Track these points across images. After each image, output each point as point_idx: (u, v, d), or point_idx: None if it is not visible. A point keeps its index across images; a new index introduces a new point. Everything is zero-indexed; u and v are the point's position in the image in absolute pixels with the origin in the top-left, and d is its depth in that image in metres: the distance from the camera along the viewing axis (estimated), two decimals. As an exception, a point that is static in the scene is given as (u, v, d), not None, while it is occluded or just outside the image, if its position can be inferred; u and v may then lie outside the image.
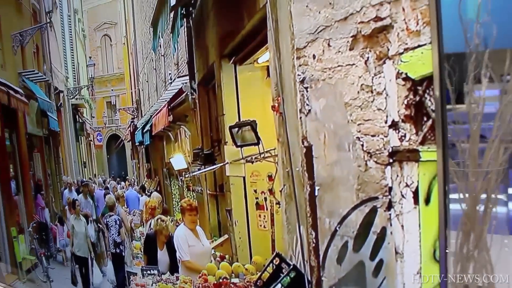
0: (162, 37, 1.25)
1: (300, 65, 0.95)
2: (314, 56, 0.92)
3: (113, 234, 1.88)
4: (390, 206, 0.86)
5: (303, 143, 0.98)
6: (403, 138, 0.82)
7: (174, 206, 1.47)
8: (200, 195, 1.29)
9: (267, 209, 1.09)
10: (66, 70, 1.82)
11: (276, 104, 1.01)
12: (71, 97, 1.82)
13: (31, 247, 2.62)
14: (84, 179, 1.98)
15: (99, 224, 1.91)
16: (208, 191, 1.24)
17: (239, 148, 1.12)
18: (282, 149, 1.03)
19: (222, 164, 1.16)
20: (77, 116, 1.82)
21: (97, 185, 1.91)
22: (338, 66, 0.88)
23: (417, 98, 0.79)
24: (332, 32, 0.88)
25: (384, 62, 0.82)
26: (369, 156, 0.87)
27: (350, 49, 0.86)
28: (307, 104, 0.95)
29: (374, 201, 0.88)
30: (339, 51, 0.88)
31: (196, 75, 1.17)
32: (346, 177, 0.91)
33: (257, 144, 1.08)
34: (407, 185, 0.83)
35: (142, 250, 1.64)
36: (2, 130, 2.64)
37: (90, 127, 1.74)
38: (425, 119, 0.78)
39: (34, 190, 2.52)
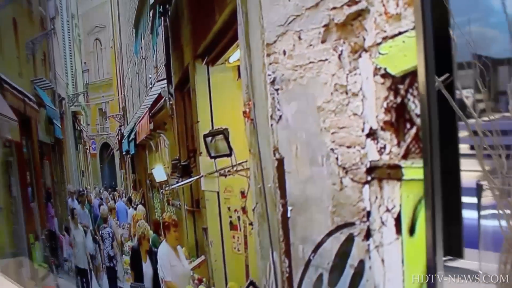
0: (143, 39, 1.11)
1: (270, 63, 0.78)
2: (284, 52, 0.75)
3: (107, 247, 1.75)
4: (368, 234, 0.67)
5: (274, 154, 0.81)
6: (382, 150, 0.63)
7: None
8: (179, 210, 1.14)
9: (240, 229, 0.92)
10: (67, 77, 1.72)
11: (247, 110, 0.85)
12: (71, 104, 1.72)
13: (44, 254, 2.55)
14: (81, 189, 1.88)
15: (96, 236, 1.80)
16: (185, 207, 1.09)
17: (213, 160, 0.96)
18: (254, 162, 0.86)
19: (197, 177, 1.00)
20: (75, 124, 1.72)
21: (93, 195, 1.80)
22: (310, 62, 0.71)
23: (399, 100, 0.61)
24: (303, 22, 0.71)
25: (360, 56, 0.65)
26: (344, 172, 0.69)
27: (322, 42, 0.69)
28: (278, 109, 0.78)
29: (350, 227, 0.70)
30: (311, 45, 0.70)
31: (172, 78, 1.03)
32: (319, 197, 0.73)
33: (229, 155, 0.91)
34: (387, 210, 0.64)
35: (130, 266, 1.51)
36: (21, 137, 2.60)
37: (86, 135, 1.63)
38: (408, 126, 0.60)
39: (45, 198, 2.45)
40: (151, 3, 0.98)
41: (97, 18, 1.18)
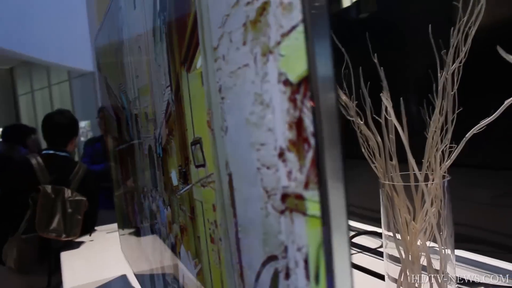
0: (158, 46, 1.06)
1: (217, 70, 0.66)
2: (223, 57, 0.63)
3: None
4: (288, 273, 0.52)
5: (226, 169, 0.68)
6: (290, 175, 0.48)
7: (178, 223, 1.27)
8: (186, 215, 1.06)
9: (216, 243, 0.82)
10: (129, 82, 1.76)
11: (209, 119, 0.74)
12: (133, 107, 1.75)
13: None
14: (144, 186, 1.91)
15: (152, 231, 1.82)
16: (187, 213, 1.01)
17: (197, 169, 0.87)
18: (216, 175, 0.74)
19: (190, 185, 0.92)
20: (137, 126, 1.75)
21: (149, 192, 1.82)
22: (238, 68, 0.58)
23: (297, 114, 0.45)
24: (231, 22, 0.58)
25: (268, 59, 0.50)
26: (267, 197, 0.55)
27: (244, 44, 0.55)
28: (225, 120, 0.66)
29: (276, 261, 0.55)
30: (237, 47, 0.57)
31: (172, 85, 0.96)
32: (254, 221, 0.60)
33: (203, 165, 0.81)
34: (298, 249, 0.49)
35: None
36: (118, 135, 2.79)
37: (142, 137, 1.64)
38: (306, 147, 0.44)
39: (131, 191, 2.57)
40: (158, 11, 0.92)
41: (138, 27, 1.16)
